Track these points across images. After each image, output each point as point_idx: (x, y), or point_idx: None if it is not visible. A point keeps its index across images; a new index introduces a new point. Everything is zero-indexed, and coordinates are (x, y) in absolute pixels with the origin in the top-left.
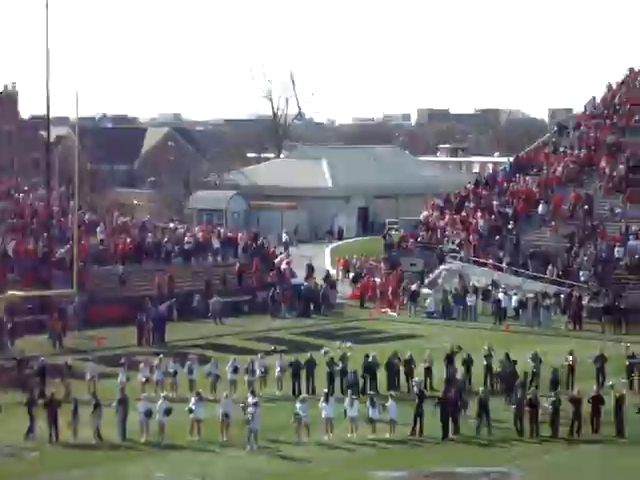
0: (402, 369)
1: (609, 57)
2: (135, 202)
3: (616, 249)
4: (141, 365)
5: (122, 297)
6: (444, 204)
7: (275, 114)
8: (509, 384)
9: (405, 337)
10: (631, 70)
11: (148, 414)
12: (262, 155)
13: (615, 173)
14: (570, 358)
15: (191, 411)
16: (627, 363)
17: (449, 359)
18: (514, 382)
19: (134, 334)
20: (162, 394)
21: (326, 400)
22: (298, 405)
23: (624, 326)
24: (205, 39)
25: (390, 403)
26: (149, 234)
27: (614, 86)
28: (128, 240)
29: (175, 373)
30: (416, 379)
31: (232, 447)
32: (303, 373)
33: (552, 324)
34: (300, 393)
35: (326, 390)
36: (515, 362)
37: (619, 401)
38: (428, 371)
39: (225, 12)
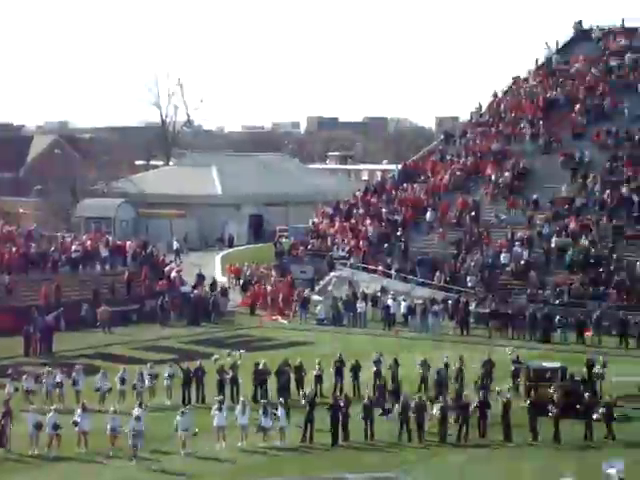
0: (293, 376)
1: (495, 66)
2: (21, 210)
3: (502, 255)
4: (24, 376)
5: (8, 307)
6: (334, 211)
7: (164, 121)
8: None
9: (296, 344)
10: (516, 79)
11: (38, 427)
12: (151, 163)
13: (501, 180)
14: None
15: (76, 424)
16: (512, 368)
17: (338, 366)
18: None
19: (21, 344)
20: (52, 407)
21: (219, 408)
22: (178, 418)
23: (510, 331)
24: (92, 46)
25: (280, 411)
26: (35, 243)
27: (500, 94)
28: (14, 249)
29: (61, 384)
30: (307, 389)
31: (120, 459)
32: (193, 382)
33: (440, 329)
34: (190, 402)
35: (219, 398)
36: (447, 365)
37: (506, 406)
38: (318, 378)
39: (113, 18)
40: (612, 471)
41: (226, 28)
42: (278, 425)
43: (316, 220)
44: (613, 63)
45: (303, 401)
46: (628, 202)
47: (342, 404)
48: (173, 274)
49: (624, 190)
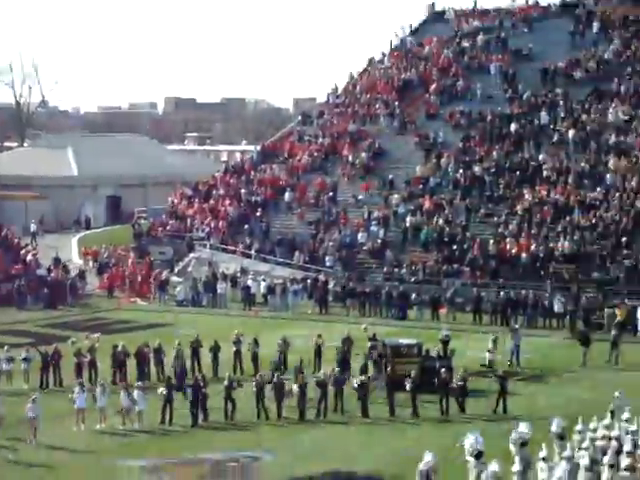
0: (152, 358)
1: (351, 48)
2: None
3: (359, 234)
4: None
5: None
6: (193, 193)
7: (18, 102)
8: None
9: (155, 326)
10: (371, 60)
11: None
12: (4, 144)
13: (357, 161)
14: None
15: None
16: (369, 345)
17: (195, 347)
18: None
19: None
20: None
21: (81, 391)
22: (29, 405)
23: (367, 309)
24: None
25: (139, 393)
26: None
27: (355, 76)
28: None
29: None
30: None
31: None
32: (51, 365)
33: (300, 308)
34: (48, 385)
35: (79, 380)
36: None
37: (362, 383)
38: (177, 359)
39: None
40: (470, 444)
41: (81, 8)
42: (137, 407)
43: (175, 201)
44: (465, 44)
45: (161, 389)
46: (480, 181)
47: (201, 384)
48: (29, 257)
49: (477, 169)
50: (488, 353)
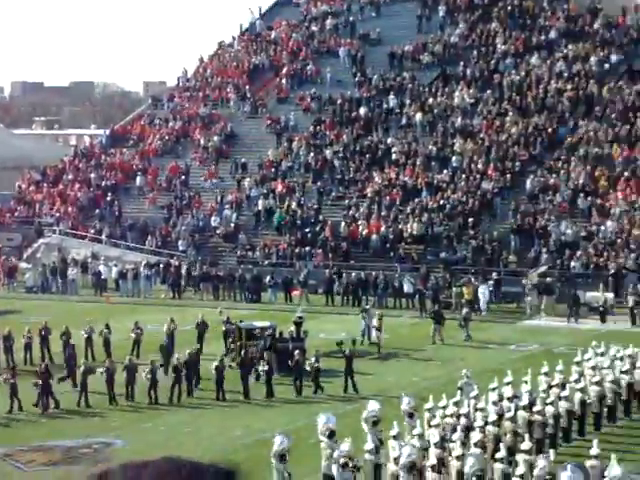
0: (1, 345)
1: (201, 31)
2: None
3: (212, 218)
4: None
5: None
6: (41, 177)
7: None
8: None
9: (3, 313)
10: (221, 44)
11: None
12: None
13: (210, 144)
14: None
15: None
16: (224, 328)
17: (44, 334)
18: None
19: None
20: None
21: None
22: None
23: (221, 292)
24: None
25: None
26: None
27: (206, 59)
28: None
29: None
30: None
31: None
32: None
33: (152, 293)
34: None
35: None
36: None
37: (218, 367)
38: (28, 347)
39: None
40: (322, 423)
41: None
42: None
43: (23, 186)
44: (314, 28)
45: (5, 376)
46: (331, 164)
47: (49, 371)
48: None
49: (327, 153)
50: (375, 331)
